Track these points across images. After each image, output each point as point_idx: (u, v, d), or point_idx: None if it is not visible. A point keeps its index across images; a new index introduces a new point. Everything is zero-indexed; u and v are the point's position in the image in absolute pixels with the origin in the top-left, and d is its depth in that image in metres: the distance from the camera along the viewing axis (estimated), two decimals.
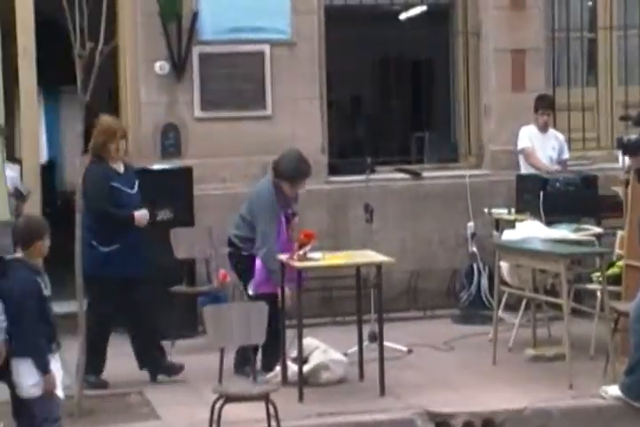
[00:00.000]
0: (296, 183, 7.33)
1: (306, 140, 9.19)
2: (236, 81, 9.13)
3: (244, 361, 7.08)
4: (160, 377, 7.33)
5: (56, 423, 5.66)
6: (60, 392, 5.70)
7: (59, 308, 6.18)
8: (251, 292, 7.30)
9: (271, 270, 7.20)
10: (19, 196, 7.90)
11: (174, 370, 7.34)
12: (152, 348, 7.35)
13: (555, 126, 9.50)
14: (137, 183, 7.39)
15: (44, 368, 5.57)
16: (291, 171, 7.28)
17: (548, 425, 6.62)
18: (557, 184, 8.59)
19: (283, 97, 9.19)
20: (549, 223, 8.21)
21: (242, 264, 7.39)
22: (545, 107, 9.23)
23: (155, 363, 7.35)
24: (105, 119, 7.23)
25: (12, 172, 7.82)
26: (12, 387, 5.73)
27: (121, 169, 7.35)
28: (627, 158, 7.49)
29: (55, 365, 5.70)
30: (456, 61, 10.00)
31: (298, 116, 9.20)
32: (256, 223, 7.25)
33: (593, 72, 10.17)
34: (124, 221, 7.19)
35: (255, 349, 6.82)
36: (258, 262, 7.27)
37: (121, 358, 7.62)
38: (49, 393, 5.60)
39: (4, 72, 8.75)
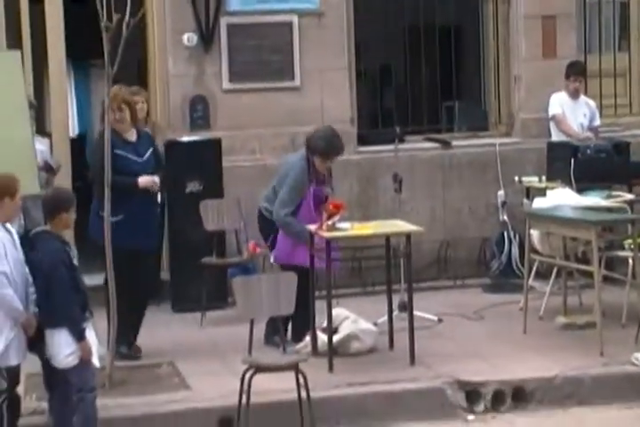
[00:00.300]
0: (327, 158, 7.32)
1: (334, 110, 9.17)
2: (264, 52, 9.10)
3: (273, 332, 7.10)
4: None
5: (91, 393, 5.73)
6: (95, 361, 5.76)
7: (88, 280, 6.24)
8: (272, 260, 7.31)
9: (292, 233, 7.20)
10: (49, 169, 7.94)
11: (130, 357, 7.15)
12: (126, 323, 7.03)
13: (586, 93, 9.40)
14: (150, 152, 7.30)
15: (79, 336, 5.63)
16: (323, 146, 7.27)
17: (579, 393, 6.61)
18: (588, 151, 8.52)
19: (311, 68, 9.15)
20: (580, 191, 8.16)
21: (273, 236, 7.40)
22: (576, 73, 9.14)
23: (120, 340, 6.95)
24: (113, 89, 7.02)
25: (41, 145, 7.86)
26: (45, 359, 5.80)
27: (132, 137, 7.26)
28: None
29: (90, 333, 5.76)
30: (486, 29, 9.91)
31: (326, 87, 9.17)
32: (280, 191, 7.26)
33: (625, 37, 10.05)
34: (129, 188, 7.02)
35: (285, 319, 6.86)
36: (280, 232, 7.29)
37: (153, 329, 7.69)
38: (85, 361, 5.65)
39: (33, 46, 8.80)
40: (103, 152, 6.78)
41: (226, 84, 9.03)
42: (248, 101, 9.02)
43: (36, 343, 5.73)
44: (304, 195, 7.28)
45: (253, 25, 9.07)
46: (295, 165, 7.34)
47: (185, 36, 8.95)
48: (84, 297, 5.79)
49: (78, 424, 5.71)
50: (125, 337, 7.10)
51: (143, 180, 7.14)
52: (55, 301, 5.64)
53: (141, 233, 7.10)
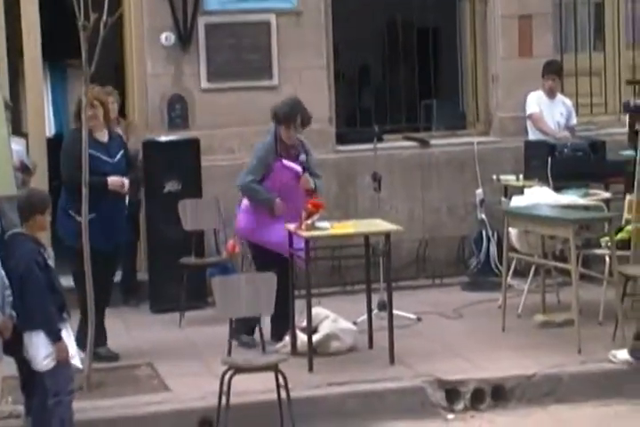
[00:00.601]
0: (291, 123, 7.32)
1: (313, 109, 8.98)
2: (242, 51, 9.09)
3: (244, 330, 7.08)
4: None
5: (68, 396, 5.70)
6: (76, 361, 5.73)
7: (65, 281, 6.21)
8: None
9: (257, 200, 7.25)
10: (25, 169, 7.89)
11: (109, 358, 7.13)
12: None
13: (562, 92, 9.44)
14: (121, 153, 7.28)
15: (55, 336, 5.60)
16: (286, 110, 7.32)
17: (558, 390, 6.64)
18: (565, 150, 8.57)
19: (289, 67, 9.15)
20: (558, 189, 8.19)
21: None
22: (552, 72, 9.18)
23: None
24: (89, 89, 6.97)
25: (17, 146, 7.81)
26: (21, 362, 5.77)
27: (104, 138, 7.24)
28: None
29: (67, 334, 5.74)
30: (463, 28, 9.93)
31: (305, 86, 9.16)
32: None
33: (600, 37, 10.10)
34: (98, 188, 6.92)
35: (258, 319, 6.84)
36: (243, 204, 7.29)
37: (131, 330, 7.67)
38: (63, 362, 5.62)
39: (8, 46, 8.76)
40: (74, 151, 6.78)
41: (204, 84, 9.01)
42: (226, 101, 9.01)
43: (12, 346, 5.69)
44: (272, 168, 7.30)
45: (231, 24, 9.06)
46: (261, 143, 7.46)
47: (163, 36, 8.92)
48: (60, 298, 5.76)
49: None
50: (100, 339, 7.04)
51: (112, 180, 7.12)
52: (30, 302, 5.61)
53: (107, 233, 7.05)
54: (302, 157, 7.42)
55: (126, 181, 7.20)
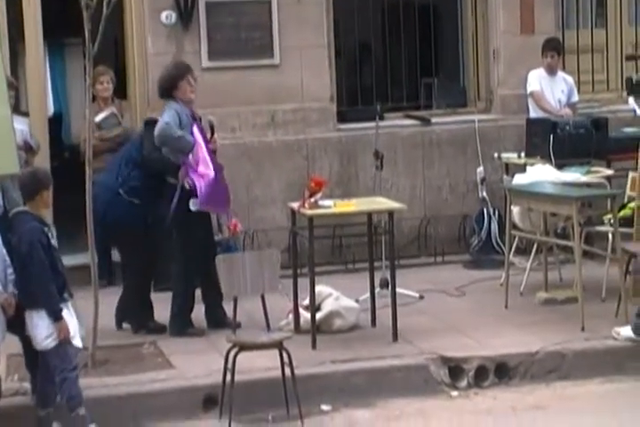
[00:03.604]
0: (181, 83, 7.27)
1: (314, 88, 9.14)
2: (243, 30, 9.05)
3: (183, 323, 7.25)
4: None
5: (72, 372, 5.71)
6: (77, 341, 5.74)
7: (73, 260, 6.22)
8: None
9: (175, 138, 7.11)
10: (28, 149, 7.88)
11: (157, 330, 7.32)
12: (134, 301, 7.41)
13: (564, 69, 9.42)
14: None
15: (55, 316, 5.60)
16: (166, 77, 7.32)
17: (561, 367, 6.66)
18: (567, 127, 8.55)
19: (290, 45, 9.11)
20: (559, 166, 8.19)
21: None
22: (551, 49, 9.14)
23: (136, 317, 7.38)
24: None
25: (22, 125, 7.78)
26: (25, 340, 5.78)
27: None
28: None
29: (69, 314, 5.74)
30: (464, 5, 9.89)
31: (306, 65, 9.14)
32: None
33: (602, 13, 10.06)
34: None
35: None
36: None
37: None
38: (63, 342, 5.63)
39: (9, 25, 8.71)
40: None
41: (205, 63, 8.98)
42: (227, 79, 8.98)
43: (15, 324, 5.71)
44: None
45: (232, 2, 9.01)
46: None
47: (163, 14, 8.89)
48: (62, 278, 5.77)
49: (63, 404, 5.70)
50: (149, 312, 7.39)
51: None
52: (32, 281, 5.62)
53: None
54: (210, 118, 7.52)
55: None
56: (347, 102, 9.67)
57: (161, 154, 7.21)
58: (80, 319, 5.92)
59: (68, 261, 6.15)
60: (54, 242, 5.83)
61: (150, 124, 7.51)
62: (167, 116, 7.14)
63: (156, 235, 7.36)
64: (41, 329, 5.64)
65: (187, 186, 7.10)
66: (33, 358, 5.84)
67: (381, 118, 8.74)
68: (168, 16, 8.89)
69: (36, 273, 5.60)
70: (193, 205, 7.08)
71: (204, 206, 7.08)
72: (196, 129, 7.20)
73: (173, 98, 7.28)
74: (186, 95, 7.30)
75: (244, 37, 9.05)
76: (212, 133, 7.46)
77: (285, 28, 9.10)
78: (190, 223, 7.12)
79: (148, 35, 8.94)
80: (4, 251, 5.72)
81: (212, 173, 7.06)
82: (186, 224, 7.13)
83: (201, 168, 7.07)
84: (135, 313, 7.38)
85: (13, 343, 5.91)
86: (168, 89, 7.31)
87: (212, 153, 7.34)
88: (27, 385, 6.06)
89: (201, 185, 7.01)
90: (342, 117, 9.42)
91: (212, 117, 7.61)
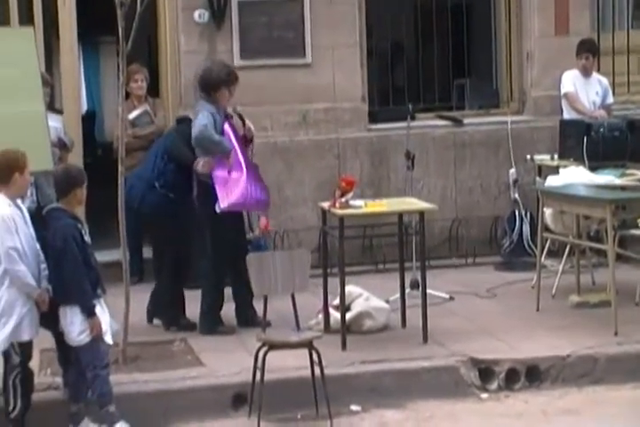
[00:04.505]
0: (224, 90, 7.23)
1: (346, 87, 9.13)
2: (275, 29, 9.05)
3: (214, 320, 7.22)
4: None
5: (104, 370, 5.72)
6: (108, 338, 5.75)
7: (105, 257, 6.23)
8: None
9: (214, 142, 7.08)
10: (63, 146, 7.90)
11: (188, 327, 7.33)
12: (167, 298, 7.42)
13: (599, 71, 9.35)
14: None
15: (89, 312, 5.62)
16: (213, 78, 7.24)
17: (594, 372, 6.59)
18: (601, 129, 8.46)
19: (322, 44, 9.11)
20: (593, 169, 8.12)
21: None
22: (586, 51, 9.07)
23: (168, 313, 7.40)
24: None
25: (56, 122, 7.81)
26: (58, 335, 5.80)
27: None
28: None
29: (101, 310, 5.75)
30: (498, 5, 9.85)
31: (337, 64, 9.13)
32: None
33: (638, 15, 9.98)
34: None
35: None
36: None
37: None
38: (96, 338, 5.64)
39: (44, 23, 8.75)
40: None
41: (237, 61, 8.97)
42: (259, 78, 8.98)
43: (49, 319, 5.73)
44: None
45: (265, 1, 9.02)
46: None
47: (196, 13, 8.91)
48: (95, 274, 5.78)
49: (94, 400, 5.72)
50: (181, 309, 7.43)
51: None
52: (65, 277, 5.64)
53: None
54: (238, 108, 7.46)
55: None
56: (378, 102, 9.65)
57: (187, 151, 7.17)
58: (112, 316, 5.93)
59: (101, 257, 6.15)
60: (87, 238, 5.84)
61: (183, 121, 7.52)
62: (203, 118, 7.11)
63: (189, 231, 7.35)
64: (74, 325, 5.65)
65: (203, 173, 7.10)
66: (65, 353, 5.86)
67: (413, 118, 8.71)
68: (201, 14, 8.90)
69: (70, 269, 5.62)
70: (217, 208, 7.08)
71: (229, 208, 7.07)
72: (227, 126, 7.19)
73: (208, 95, 7.25)
74: (222, 102, 7.28)
75: (276, 36, 9.05)
76: (244, 122, 7.42)
77: (317, 28, 9.09)
78: (221, 221, 7.11)
79: (180, 33, 8.96)
80: (38, 247, 5.73)
81: (243, 177, 7.05)
82: (216, 222, 7.12)
83: (234, 174, 7.07)
84: (167, 309, 7.39)
85: (46, 338, 5.92)
86: (210, 88, 7.27)
87: (249, 142, 7.31)
88: (59, 380, 6.08)
89: (229, 191, 7.01)
90: (374, 117, 9.40)
91: (239, 107, 7.52)
